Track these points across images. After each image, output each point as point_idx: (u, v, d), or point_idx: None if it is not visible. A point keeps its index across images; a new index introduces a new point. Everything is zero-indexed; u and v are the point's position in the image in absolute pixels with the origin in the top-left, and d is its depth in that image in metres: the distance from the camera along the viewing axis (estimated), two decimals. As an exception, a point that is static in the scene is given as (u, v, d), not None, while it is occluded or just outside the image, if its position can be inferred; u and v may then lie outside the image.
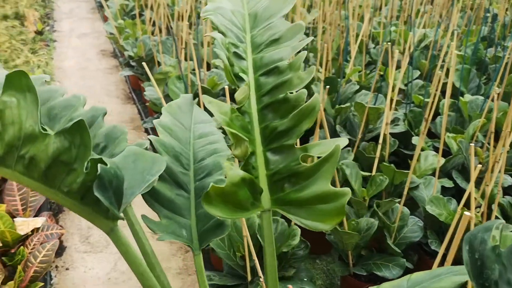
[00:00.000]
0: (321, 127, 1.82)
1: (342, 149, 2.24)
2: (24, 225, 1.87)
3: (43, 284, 1.68)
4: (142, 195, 0.58)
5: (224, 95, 2.87)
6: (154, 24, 3.82)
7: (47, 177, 0.39)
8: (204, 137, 0.67)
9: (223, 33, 0.58)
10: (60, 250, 2.08)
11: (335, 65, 3.09)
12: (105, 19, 5.51)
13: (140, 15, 4.56)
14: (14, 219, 1.88)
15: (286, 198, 0.52)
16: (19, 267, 1.63)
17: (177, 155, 0.64)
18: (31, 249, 1.76)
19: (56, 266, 2.00)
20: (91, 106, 0.61)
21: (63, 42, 5.10)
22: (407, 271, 1.80)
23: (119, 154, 0.48)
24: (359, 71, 2.91)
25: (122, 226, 0.54)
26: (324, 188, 0.50)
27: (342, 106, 2.41)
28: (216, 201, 0.48)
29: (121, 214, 0.44)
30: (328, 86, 2.57)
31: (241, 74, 0.54)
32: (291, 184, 0.52)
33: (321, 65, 3.21)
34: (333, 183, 2.11)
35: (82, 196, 0.42)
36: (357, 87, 2.56)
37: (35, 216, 2.08)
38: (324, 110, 2.60)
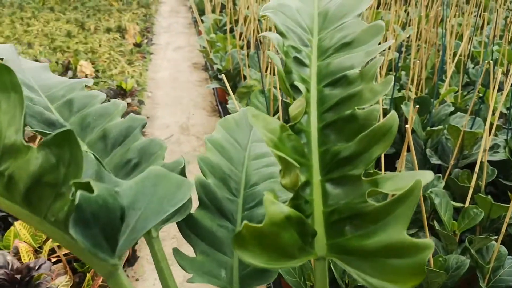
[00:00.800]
0: (409, 150, 1.64)
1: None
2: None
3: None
4: (177, 223, 0.49)
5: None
6: (243, 39, 3.82)
7: (29, 202, 0.31)
8: (260, 158, 0.57)
9: (282, 34, 0.48)
10: (133, 260, 2.08)
11: (429, 85, 2.86)
12: (199, 33, 5.66)
13: (232, 30, 4.61)
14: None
15: (347, 245, 0.40)
16: (88, 275, 1.63)
17: (225, 178, 0.54)
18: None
19: (127, 276, 2.00)
20: (129, 115, 0.53)
21: (159, 54, 5.30)
22: (504, 323, 1.55)
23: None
24: (455, 92, 2.66)
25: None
26: (397, 237, 0.38)
27: (434, 128, 2.20)
28: (251, 245, 0.37)
29: (116, 259, 0.35)
30: (418, 106, 2.37)
31: (297, 83, 0.43)
32: (354, 228, 0.40)
33: (412, 83, 3.00)
34: (419, 213, 1.91)
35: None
36: (452, 108, 2.33)
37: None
38: (414, 131, 2.40)
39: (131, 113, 0.53)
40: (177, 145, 3.34)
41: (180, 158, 0.49)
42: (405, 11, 4.58)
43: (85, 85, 0.60)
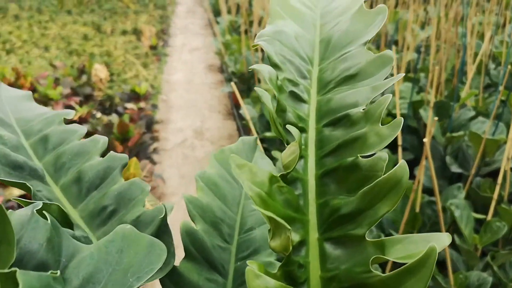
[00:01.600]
0: (427, 157, 1.57)
1: (452, 184, 1.94)
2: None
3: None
4: (160, 280, 0.44)
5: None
6: (258, 40, 3.76)
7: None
8: None
9: (276, 66, 0.42)
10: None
11: (449, 87, 2.77)
12: (215, 35, 5.62)
13: (248, 31, 4.56)
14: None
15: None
16: None
17: (217, 222, 0.49)
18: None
19: None
20: (108, 154, 0.48)
21: (174, 56, 5.28)
22: None
23: (105, 237, 0.34)
24: (476, 95, 2.56)
25: None
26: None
27: (454, 134, 2.11)
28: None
29: None
30: (437, 111, 2.28)
31: (289, 127, 0.37)
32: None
33: (432, 86, 2.91)
34: (437, 224, 1.83)
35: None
36: (473, 113, 2.24)
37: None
38: (433, 137, 2.31)
39: (111, 152, 0.48)
40: (191, 149, 3.30)
41: (161, 206, 0.43)
42: (424, 9, 4.47)
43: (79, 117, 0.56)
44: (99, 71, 3.76)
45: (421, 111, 2.27)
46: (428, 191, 2.15)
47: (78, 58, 4.45)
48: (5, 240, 0.25)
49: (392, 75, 2.13)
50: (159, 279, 0.44)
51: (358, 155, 0.36)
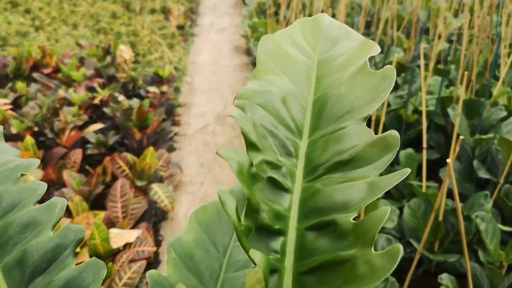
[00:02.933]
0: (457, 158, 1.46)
1: (479, 193, 1.81)
2: (118, 237, 1.82)
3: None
4: None
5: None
6: (287, 24, 3.64)
7: None
8: (242, 269, 0.44)
9: (253, 146, 0.34)
10: (155, 265, 2.01)
11: (480, 81, 2.61)
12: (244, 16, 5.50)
13: (276, 13, 4.42)
14: (110, 229, 1.85)
15: None
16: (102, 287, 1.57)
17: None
18: (119, 266, 1.70)
19: (147, 283, 1.94)
20: (63, 227, 0.41)
21: (202, 36, 5.19)
22: None
23: None
24: (509, 93, 2.40)
25: None
26: None
27: (483, 137, 1.98)
28: None
29: None
30: (466, 110, 2.15)
31: (253, 253, 0.29)
32: None
33: (462, 82, 2.75)
34: (459, 234, 1.73)
35: None
36: (505, 113, 2.10)
37: (135, 225, 2.04)
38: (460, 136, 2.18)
39: (67, 224, 0.41)
40: (212, 136, 3.24)
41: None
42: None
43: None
44: (124, 52, 3.72)
45: (449, 111, 2.14)
46: (453, 195, 2.04)
47: (105, 36, 4.42)
48: None
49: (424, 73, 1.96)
50: None
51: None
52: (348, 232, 0.30)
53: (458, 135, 1.78)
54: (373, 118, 2.16)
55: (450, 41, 3.43)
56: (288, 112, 0.38)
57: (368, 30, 3.91)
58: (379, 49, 0.40)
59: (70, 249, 0.40)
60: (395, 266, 0.27)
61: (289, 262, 0.32)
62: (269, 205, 0.33)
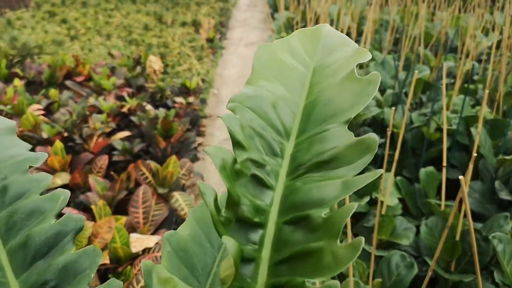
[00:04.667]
0: (477, 178, 1.45)
1: (499, 214, 1.78)
2: (138, 242, 1.86)
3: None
4: None
5: (370, 124, 2.57)
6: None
7: None
8: None
9: (239, 145, 0.37)
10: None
11: (508, 102, 2.57)
12: (273, 30, 5.56)
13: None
14: (130, 234, 1.89)
15: None
16: (120, 291, 1.61)
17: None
18: (138, 270, 1.73)
19: (163, 290, 1.96)
20: (64, 216, 0.44)
21: (230, 49, 5.27)
22: None
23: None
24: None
25: None
26: None
27: (506, 157, 1.95)
28: None
29: None
30: (491, 129, 2.13)
31: (225, 239, 0.31)
32: None
33: (489, 101, 2.72)
34: (478, 255, 1.69)
35: None
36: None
37: (155, 231, 2.08)
38: (484, 157, 2.15)
39: (68, 213, 0.44)
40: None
41: (115, 282, 0.39)
42: (491, 13, 4.19)
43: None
44: (154, 63, 3.81)
45: (472, 130, 2.12)
46: (473, 215, 2.01)
47: (136, 47, 4.53)
48: None
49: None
50: None
51: (308, 279, 0.30)
52: (319, 225, 0.32)
53: (477, 153, 1.76)
54: (401, 136, 2.15)
55: (479, 60, 3.39)
56: (277, 115, 0.40)
57: (395, 47, 3.90)
58: (370, 56, 0.42)
59: (70, 236, 0.43)
60: (357, 256, 0.29)
61: (266, 253, 0.34)
62: (250, 200, 0.35)
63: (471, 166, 1.25)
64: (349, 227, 1.08)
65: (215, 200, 0.31)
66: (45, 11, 5.56)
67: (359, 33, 4.05)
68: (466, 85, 2.93)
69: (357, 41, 3.88)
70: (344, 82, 0.40)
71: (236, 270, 0.30)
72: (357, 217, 1.99)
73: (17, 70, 3.69)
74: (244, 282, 0.33)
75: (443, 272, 1.68)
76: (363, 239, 0.29)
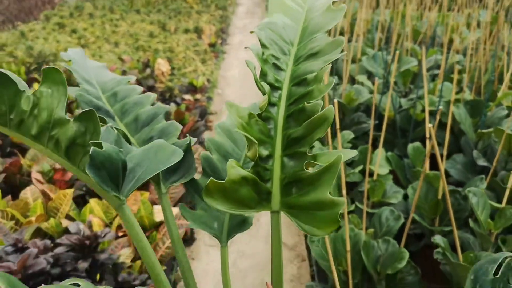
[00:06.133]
0: (460, 152, 1.71)
1: (476, 177, 2.05)
2: (160, 213, 2.11)
3: (165, 268, 1.89)
4: (184, 185, 0.66)
5: (364, 110, 2.84)
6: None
7: (69, 156, 0.49)
8: None
9: (264, 46, 0.63)
10: (191, 241, 2.29)
11: (489, 89, 2.84)
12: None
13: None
14: (154, 205, 2.15)
15: (292, 202, 0.55)
16: (149, 248, 1.86)
17: (227, 155, 0.70)
18: (162, 235, 1.99)
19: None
20: (156, 105, 0.71)
21: (231, 53, 5.56)
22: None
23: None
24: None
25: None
26: (322, 196, 0.52)
27: (484, 131, 2.22)
28: (217, 195, 0.53)
29: (122, 196, 0.52)
30: (471, 109, 2.39)
31: (263, 84, 0.58)
32: (297, 189, 0.55)
33: (469, 86, 2.98)
34: (458, 212, 1.95)
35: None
36: (506, 112, 2.33)
37: (174, 205, 2.33)
38: (465, 134, 2.42)
39: (157, 103, 0.71)
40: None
41: (188, 138, 0.66)
42: (468, 14, 4.49)
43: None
44: (162, 65, 4.08)
45: (454, 108, 2.38)
46: (456, 183, 2.27)
47: (143, 53, 4.81)
48: (95, 131, 0.48)
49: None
50: (184, 185, 0.66)
51: (305, 102, 0.56)
52: (312, 80, 0.58)
53: (458, 129, 2.01)
54: (386, 116, 2.42)
55: (464, 54, 3.67)
56: (286, 33, 0.67)
57: (387, 45, 4.18)
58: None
59: (161, 115, 0.69)
60: (329, 88, 0.56)
61: (283, 101, 0.60)
62: (273, 74, 0.62)
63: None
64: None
65: (255, 69, 0.58)
66: (54, 23, 5.86)
67: (352, 32, 4.33)
68: (452, 76, 3.21)
69: (350, 40, 4.16)
70: (324, 12, 0.67)
71: (269, 101, 0.56)
72: (352, 186, 2.25)
73: (35, 75, 3.97)
74: (272, 114, 0.59)
75: (429, 226, 1.93)
76: (332, 81, 0.56)
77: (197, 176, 0.68)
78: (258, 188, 0.55)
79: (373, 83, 3.12)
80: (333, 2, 0.69)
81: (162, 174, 0.63)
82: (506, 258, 0.49)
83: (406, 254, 1.63)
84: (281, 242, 0.57)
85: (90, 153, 0.46)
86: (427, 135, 2.02)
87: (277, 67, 0.63)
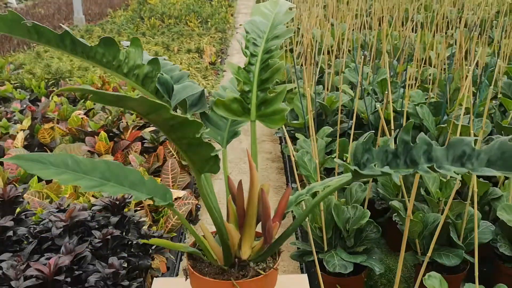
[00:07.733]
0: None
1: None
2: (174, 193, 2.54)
3: (175, 234, 2.32)
4: (200, 114, 1.11)
5: (345, 114, 3.30)
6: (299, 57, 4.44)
7: (143, 84, 0.94)
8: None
9: (248, 32, 1.09)
10: (195, 220, 2.72)
11: (456, 96, 3.32)
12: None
13: (291, 50, 5.24)
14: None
15: (262, 113, 1.00)
16: (162, 220, 2.30)
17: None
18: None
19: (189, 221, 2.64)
20: (181, 70, 1.16)
21: (230, 71, 6.05)
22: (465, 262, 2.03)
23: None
24: (468, 97, 3.09)
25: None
26: (277, 107, 0.97)
27: (442, 125, 2.67)
28: (221, 107, 0.98)
29: (170, 106, 0.97)
30: (434, 108, 2.84)
31: (245, 51, 1.04)
32: (265, 107, 1.00)
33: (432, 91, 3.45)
34: (418, 186, 2.38)
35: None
36: (463, 110, 2.78)
37: (182, 190, 2.77)
38: (428, 130, 2.87)
39: (189, 79, 1.16)
40: (238, 142, 3.98)
41: (202, 88, 1.11)
42: (445, 33, 5.01)
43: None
44: (167, 80, 4.55)
45: (418, 108, 2.84)
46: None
47: (150, 70, 5.30)
48: (157, 69, 0.94)
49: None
50: (200, 114, 1.11)
51: (269, 60, 1.02)
52: (274, 50, 1.05)
53: (422, 125, 2.45)
54: (362, 116, 2.87)
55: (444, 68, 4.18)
56: (261, 26, 1.13)
57: (370, 62, 4.67)
58: (291, 4, 1.15)
59: (185, 76, 1.15)
60: (282, 52, 1.02)
61: (258, 62, 1.06)
62: (252, 48, 1.08)
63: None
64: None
65: (245, 43, 1.04)
66: (67, 44, 6.35)
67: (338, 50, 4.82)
68: (426, 85, 3.69)
69: (337, 57, 4.65)
70: (284, 14, 1.13)
71: (256, 61, 1.02)
72: (330, 171, 2.69)
73: (54, 89, 4.45)
74: (251, 69, 1.05)
75: (391, 198, 2.37)
76: (283, 50, 1.01)
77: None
78: (243, 105, 1.00)
79: (355, 91, 3.58)
80: (290, 8, 1.16)
81: (188, 105, 1.08)
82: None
83: (368, 213, 2.05)
84: (256, 140, 1.01)
85: (157, 76, 0.91)
86: (392, 126, 2.47)
87: (255, 44, 1.09)
